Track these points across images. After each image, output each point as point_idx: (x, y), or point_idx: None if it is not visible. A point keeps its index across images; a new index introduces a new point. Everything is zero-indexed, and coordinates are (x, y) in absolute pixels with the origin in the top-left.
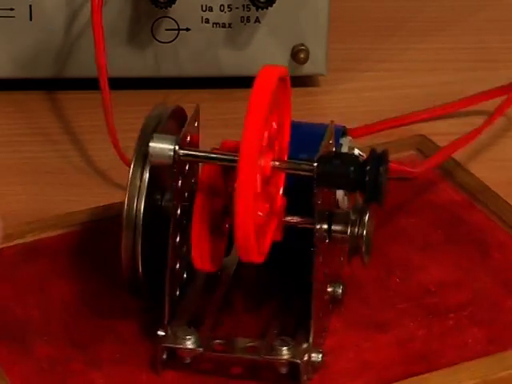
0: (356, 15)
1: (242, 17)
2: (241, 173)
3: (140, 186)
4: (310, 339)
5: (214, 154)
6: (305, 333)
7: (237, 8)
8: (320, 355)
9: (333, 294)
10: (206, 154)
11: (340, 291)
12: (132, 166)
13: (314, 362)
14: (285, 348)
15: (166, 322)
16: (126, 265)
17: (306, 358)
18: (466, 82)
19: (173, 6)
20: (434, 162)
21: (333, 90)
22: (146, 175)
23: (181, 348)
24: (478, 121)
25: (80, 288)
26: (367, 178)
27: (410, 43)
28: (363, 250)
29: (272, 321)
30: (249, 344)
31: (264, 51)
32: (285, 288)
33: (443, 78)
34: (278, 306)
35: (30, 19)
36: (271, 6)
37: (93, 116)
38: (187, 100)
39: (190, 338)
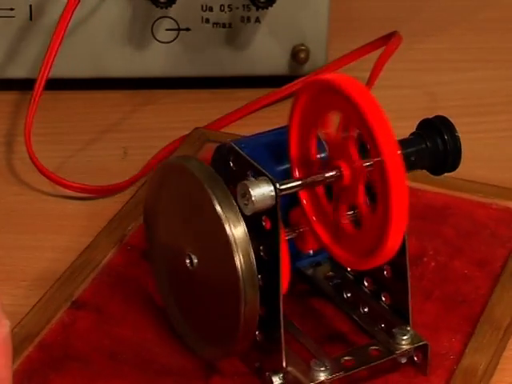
0: (356, 15)
1: (242, 17)
2: (393, 182)
3: (242, 244)
4: (410, 321)
5: (313, 177)
6: (400, 318)
7: (237, 8)
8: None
9: None
10: (305, 181)
11: None
12: (227, 227)
13: None
14: (404, 337)
15: (285, 365)
16: (244, 329)
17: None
18: (465, 82)
19: (173, 5)
20: None
21: None
22: (244, 227)
23: (324, 381)
24: None
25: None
26: (449, 147)
27: (410, 43)
28: None
29: (353, 321)
30: (371, 348)
31: (264, 51)
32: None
33: (443, 78)
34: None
35: (30, 19)
36: (271, 5)
37: (93, 116)
38: (187, 100)
39: (324, 369)
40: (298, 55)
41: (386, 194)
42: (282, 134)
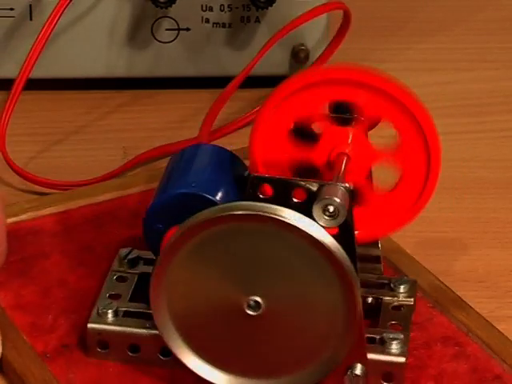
0: (356, 15)
1: (242, 17)
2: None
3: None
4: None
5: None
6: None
7: (237, 8)
8: None
9: None
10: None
11: None
12: (327, 242)
13: None
14: (403, 285)
15: (366, 365)
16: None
17: None
18: (465, 82)
19: (173, 5)
20: None
21: None
22: (331, 238)
23: (407, 350)
24: None
25: None
26: None
27: (410, 43)
28: None
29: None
30: (392, 306)
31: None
32: None
33: (443, 78)
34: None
35: (30, 19)
36: (271, 5)
37: (93, 116)
38: (187, 100)
39: (398, 340)
40: (298, 55)
41: (424, 145)
42: (220, 160)
